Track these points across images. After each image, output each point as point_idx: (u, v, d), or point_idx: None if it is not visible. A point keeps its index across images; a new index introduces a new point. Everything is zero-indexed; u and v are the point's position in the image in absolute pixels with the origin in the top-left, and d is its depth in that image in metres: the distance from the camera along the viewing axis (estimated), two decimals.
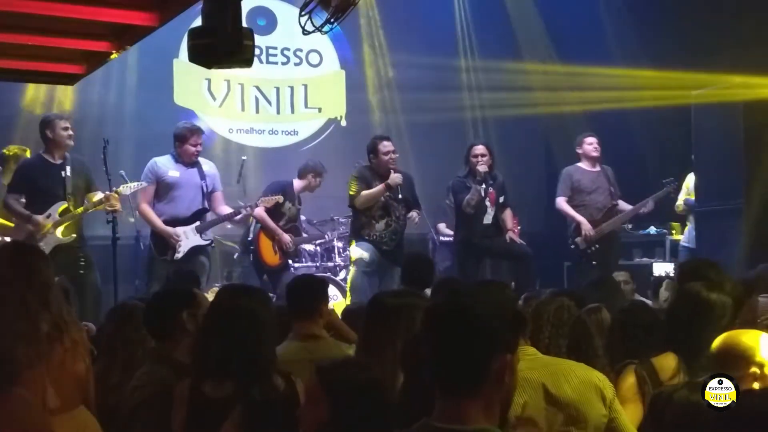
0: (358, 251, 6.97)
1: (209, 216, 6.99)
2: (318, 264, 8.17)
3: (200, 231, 6.82)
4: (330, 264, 8.19)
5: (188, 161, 6.89)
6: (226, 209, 7.05)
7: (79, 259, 6.36)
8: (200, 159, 7.01)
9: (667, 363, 2.93)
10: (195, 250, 6.80)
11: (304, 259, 8.21)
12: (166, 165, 6.86)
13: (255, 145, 9.51)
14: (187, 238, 6.76)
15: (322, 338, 3.51)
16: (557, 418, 2.56)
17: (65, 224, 6.33)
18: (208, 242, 6.90)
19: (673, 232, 8.58)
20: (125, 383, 3.05)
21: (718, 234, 7.41)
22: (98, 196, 6.41)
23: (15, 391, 1.30)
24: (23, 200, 6.35)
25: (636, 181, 8.41)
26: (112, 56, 5.32)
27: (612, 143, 8.23)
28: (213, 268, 7.73)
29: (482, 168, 7.16)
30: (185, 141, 6.85)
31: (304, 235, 7.92)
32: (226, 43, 3.95)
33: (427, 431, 1.78)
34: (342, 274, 7.97)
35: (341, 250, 8.11)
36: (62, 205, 6.36)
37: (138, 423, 2.83)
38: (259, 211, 7.29)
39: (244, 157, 7.73)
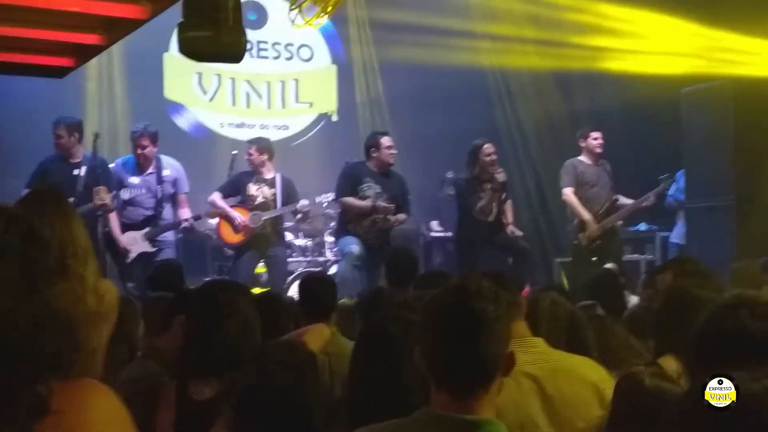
0: (347, 245, 6.93)
1: (164, 221, 6.87)
2: (309, 259, 8.16)
3: (149, 238, 6.75)
4: (321, 259, 8.17)
5: (142, 164, 6.86)
6: (184, 213, 6.93)
7: None
8: (164, 160, 6.94)
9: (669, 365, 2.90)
10: (144, 257, 6.69)
11: (295, 254, 8.19)
12: (123, 172, 6.85)
13: (246, 139, 9.46)
14: (136, 243, 6.71)
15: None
16: (550, 414, 2.49)
17: None
18: (155, 250, 6.74)
19: None
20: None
21: (708, 230, 7.43)
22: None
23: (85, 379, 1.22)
24: None
25: (625, 178, 8.39)
26: (102, 49, 5.29)
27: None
28: (204, 261, 7.68)
29: (501, 177, 7.07)
30: (135, 145, 6.86)
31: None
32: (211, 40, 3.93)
33: (431, 419, 1.71)
34: (333, 269, 7.95)
35: (332, 245, 8.09)
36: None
37: None
38: (212, 197, 7.16)
39: (234, 152, 7.68)
